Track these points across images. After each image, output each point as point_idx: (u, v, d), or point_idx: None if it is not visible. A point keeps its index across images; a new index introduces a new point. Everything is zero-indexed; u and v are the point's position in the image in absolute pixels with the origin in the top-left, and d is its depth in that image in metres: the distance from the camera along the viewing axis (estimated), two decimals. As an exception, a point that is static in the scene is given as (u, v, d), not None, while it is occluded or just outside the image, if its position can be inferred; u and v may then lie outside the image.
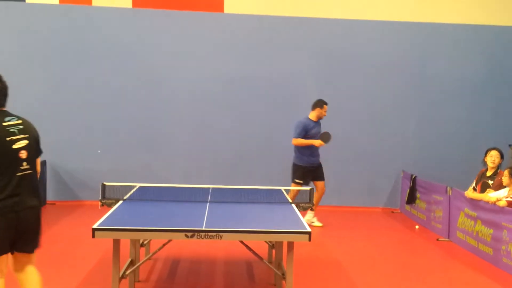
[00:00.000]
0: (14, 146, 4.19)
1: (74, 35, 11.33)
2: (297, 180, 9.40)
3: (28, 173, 4.28)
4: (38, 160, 4.53)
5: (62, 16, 11.33)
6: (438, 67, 11.75)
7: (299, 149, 9.45)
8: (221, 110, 11.53)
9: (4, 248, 4.21)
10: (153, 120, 11.43)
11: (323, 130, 9.58)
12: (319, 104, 9.57)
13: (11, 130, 4.22)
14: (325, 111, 9.56)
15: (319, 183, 9.57)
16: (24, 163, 4.24)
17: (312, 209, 9.35)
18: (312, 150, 9.46)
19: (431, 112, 11.76)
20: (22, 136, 4.26)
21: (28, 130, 4.36)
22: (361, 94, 11.68)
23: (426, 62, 11.77)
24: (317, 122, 9.60)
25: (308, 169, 9.45)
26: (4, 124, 4.22)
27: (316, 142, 9.32)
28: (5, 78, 4.51)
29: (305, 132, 9.39)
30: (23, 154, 4.23)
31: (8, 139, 4.17)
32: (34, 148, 4.39)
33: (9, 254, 4.32)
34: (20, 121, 4.33)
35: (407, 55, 11.73)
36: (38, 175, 4.54)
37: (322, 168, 9.66)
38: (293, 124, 9.58)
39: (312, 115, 9.58)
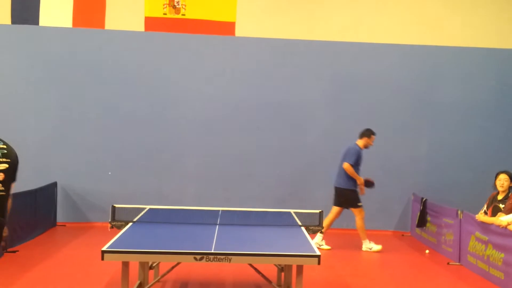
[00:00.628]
0: None
1: (87, 58, 11.46)
2: (359, 204, 9.70)
3: (1, 195, 4.46)
4: (13, 186, 4.68)
5: (75, 40, 11.48)
6: (450, 91, 11.74)
7: (347, 175, 9.65)
8: (231, 133, 11.57)
9: None
10: (164, 143, 11.48)
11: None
12: (368, 133, 9.85)
13: None
14: (372, 141, 9.82)
15: (340, 209, 9.71)
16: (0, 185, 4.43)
17: (321, 232, 9.31)
18: None
19: (442, 136, 11.74)
20: (3, 159, 4.48)
21: (10, 155, 4.55)
22: (372, 117, 11.66)
23: (436, 85, 11.77)
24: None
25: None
26: None
27: (361, 182, 9.63)
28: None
29: (357, 160, 9.66)
30: (0, 177, 4.43)
31: None
32: (11, 174, 4.55)
33: None
34: (4, 146, 4.56)
35: (418, 78, 11.74)
36: (9, 201, 4.67)
37: None
38: (346, 148, 9.82)
39: (360, 143, 9.81)
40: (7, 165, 4.48)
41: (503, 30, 11.84)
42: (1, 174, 4.44)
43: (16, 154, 4.64)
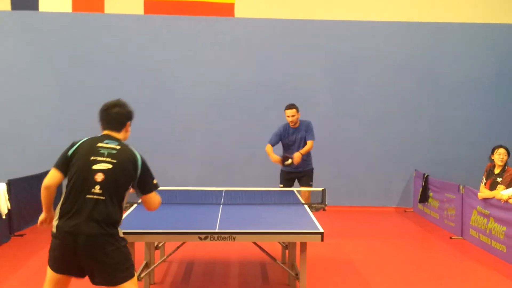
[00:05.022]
0: (94, 167, 3.92)
1: (87, 42, 11.49)
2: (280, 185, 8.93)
3: (98, 198, 3.85)
4: (147, 198, 4.19)
5: (75, 24, 11.50)
6: (448, 67, 11.76)
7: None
8: (233, 114, 11.62)
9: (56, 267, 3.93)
10: (167, 125, 11.54)
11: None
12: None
13: (101, 151, 3.99)
14: (287, 117, 8.82)
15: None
16: (97, 187, 3.86)
17: None
18: None
19: (442, 112, 11.78)
20: (108, 159, 3.96)
21: (120, 156, 4.01)
22: (372, 95, 11.72)
23: (436, 61, 11.79)
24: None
25: None
26: (99, 144, 4.03)
27: (274, 160, 8.71)
28: (128, 104, 4.51)
29: (276, 138, 8.87)
30: (99, 177, 3.88)
31: (92, 158, 3.94)
32: (117, 178, 3.94)
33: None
34: (117, 147, 4.07)
35: (417, 55, 11.75)
36: (149, 204, 4.24)
37: None
38: (311, 125, 8.85)
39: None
40: (110, 166, 3.92)
41: (501, 5, 11.80)
42: (100, 174, 3.89)
43: (133, 159, 4.07)
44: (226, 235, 4.89)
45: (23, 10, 11.41)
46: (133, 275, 3.94)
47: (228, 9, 11.60)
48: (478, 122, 11.77)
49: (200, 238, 4.88)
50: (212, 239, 4.87)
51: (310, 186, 8.57)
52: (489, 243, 7.95)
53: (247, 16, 11.62)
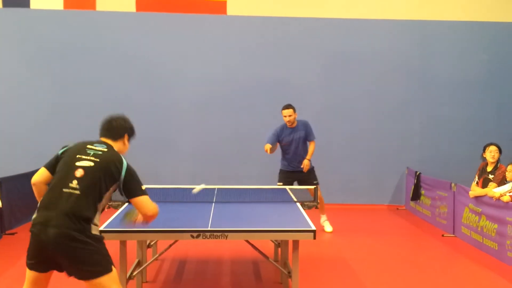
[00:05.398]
0: (77, 163, 3.98)
1: (78, 40, 11.45)
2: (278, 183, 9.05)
3: (74, 193, 3.87)
4: (137, 201, 4.11)
5: (67, 21, 11.46)
6: (441, 65, 11.79)
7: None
8: (225, 112, 11.61)
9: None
10: (158, 123, 11.52)
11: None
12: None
13: (88, 151, 4.07)
14: (284, 117, 8.94)
15: None
16: (74, 181, 3.89)
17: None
18: None
19: (434, 110, 11.80)
20: (92, 158, 4.02)
21: (104, 157, 4.05)
22: (365, 92, 11.73)
23: (429, 60, 11.81)
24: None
25: None
26: (88, 146, 4.13)
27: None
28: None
29: (274, 138, 9.01)
30: (78, 173, 3.92)
31: (77, 156, 4.03)
32: (97, 175, 3.96)
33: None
34: (105, 149, 4.13)
35: (410, 53, 11.77)
36: (144, 216, 4.20)
37: None
38: (309, 124, 9.05)
39: None
40: (92, 164, 3.96)
41: (494, 4, 11.84)
42: (80, 170, 3.93)
43: (117, 160, 4.08)
44: (219, 233, 4.88)
45: (14, 8, 11.35)
46: (109, 271, 3.90)
47: (221, 7, 11.59)
48: (471, 120, 11.80)
49: (192, 236, 4.87)
50: (204, 237, 4.86)
51: (315, 184, 8.52)
52: (481, 241, 7.98)
53: (239, 14, 11.61)
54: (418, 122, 11.82)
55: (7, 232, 8.56)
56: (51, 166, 4.11)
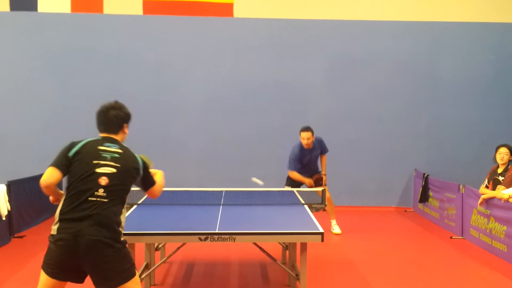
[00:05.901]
0: (98, 170, 3.94)
1: (86, 43, 11.48)
2: None
3: (101, 201, 3.87)
4: (151, 191, 4.39)
5: (74, 25, 11.49)
6: (448, 66, 11.76)
7: None
8: (232, 114, 11.62)
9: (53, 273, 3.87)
10: (165, 125, 11.54)
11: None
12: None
13: (103, 155, 4.02)
14: (302, 138, 8.89)
15: None
16: (101, 190, 3.88)
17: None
18: None
19: (442, 111, 11.77)
20: (112, 163, 4.00)
21: (123, 161, 4.06)
22: (372, 94, 11.72)
23: (436, 61, 11.78)
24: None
25: None
26: (100, 147, 4.07)
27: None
28: (127, 106, 4.65)
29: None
30: (103, 181, 3.90)
31: (95, 161, 3.97)
32: (122, 181, 4.00)
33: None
34: (119, 150, 4.11)
35: (417, 55, 11.75)
36: (153, 194, 4.47)
37: None
38: (323, 141, 9.18)
39: None
40: (114, 170, 3.95)
41: (502, 4, 11.80)
42: (104, 178, 3.92)
43: (134, 162, 4.15)
44: (226, 236, 4.88)
45: (22, 11, 11.40)
46: (134, 275, 3.93)
47: (227, 9, 11.59)
48: (479, 122, 11.76)
49: (200, 239, 4.87)
50: (212, 240, 4.86)
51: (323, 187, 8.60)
52: (490, 243, 7.94)
53: (246, 16, 11.61)
54: (426, 124, 11.79)
55: (15, 235, 8.59)
56: (63, 166, 3.99)
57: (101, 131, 4.28)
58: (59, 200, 4.11)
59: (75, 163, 3.98)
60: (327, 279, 6.66)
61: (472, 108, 11.76)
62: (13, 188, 8.55)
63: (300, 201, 6.86)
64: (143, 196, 6.72)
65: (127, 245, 4.01)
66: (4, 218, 8.18)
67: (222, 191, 7.28)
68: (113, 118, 4.31)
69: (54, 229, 3.86)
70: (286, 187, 9.02)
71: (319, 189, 7.30)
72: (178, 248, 5.97)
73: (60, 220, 3.86)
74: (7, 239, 8.33)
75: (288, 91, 11.60)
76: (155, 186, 4.41)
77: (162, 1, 11.55)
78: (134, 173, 4.12)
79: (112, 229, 3.85)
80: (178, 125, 11.61)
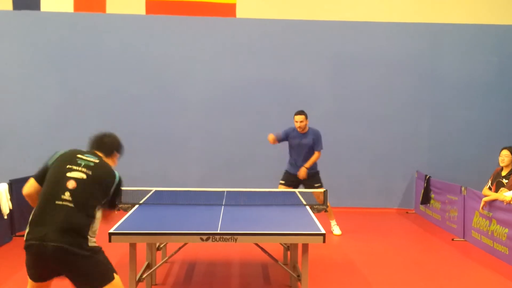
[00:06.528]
0: (68, 174, 3.94)
1: (88, 42, 11.49)
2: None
3: (67, 205, 3.84)
4: (110, 213, 4.28)
5: (77, 24, 11.50)
6: (449, 68, 11.76)
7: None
8: (234, 114, 11.62)
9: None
10: (167, 125, 11.54)
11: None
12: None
13: (78, 161, 4.03)
14: (295, 121, 9.04)
15: None
16: (67, 193, 3.87)
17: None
18: None
19: (443, 113, 11.76)
20: (84, 170, 3.98)
21: (96, 169, 4.03)
22: (373, 95, 11.71)
23: (437, 62, 11.78)
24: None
25: None
26: (78, 155, 4.09)
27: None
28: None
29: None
30: (70, 184, 3.89)
31: (68, 166, 3.99)
32: (90, 189, 3.96)
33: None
34: (96, 161, 4.09)
35: (418, 56, 11.74)
36: (107, 220, 4.31)
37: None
38: (320, 134, 9.09)
39: None
40: (84, 176, 3.93)
41: (503, 6, 11.78)
42: (72, 182, 3.90)
43: (109, 173, 4.12)
44: (228, 236, 4.87)
45: (24, 10, 11.41)
46: (110, 280, 3.93)
47: (230, 10, 11.59)
48: (480, 123, 11.75)
49: (202, 239, 4.87)
50: (214, 240, 4.86)
51: (316, 187, 8.73)
52: (491, 245, 7.93)
53: (248, 17, 11.61)
54: (427, 125, 11.78)
55: (17, 234, 8.59)
56: (39, 177, 4.08)
57: (91, 148, 4.35)
58: None
59: (50, 169, 4.04)
60: (328, 280, 6.65)
61: (474, 109, 11.75)
62: (14, 186, 8.54)
63: (302, 202, 6.86)
64: (144, 196, 6.73)
65: (110, 244, 4.04)
66: (5, 217, 8.19)
67: (224, 191, 7.29)
68: (107, 142, 4.39)
69: (25, 235, 3.90)
70: (280, 181, 9.08)
71: (320, 190, 7.30)
72: (180, 248, 5.96)
73: (29, 224, 3.89)
74: (9, 238, 8.34)
75: (290, 91, 11.60)
76: (113, 213, 4.34)
77: (164, 1, 11.55)
78: (106, 185, 4.07)
79: (76, 236, 3.82)
80: (180, 125, 11.61)
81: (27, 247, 3.84)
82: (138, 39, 11.59)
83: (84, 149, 4.32)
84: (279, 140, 9.10)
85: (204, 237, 4.86)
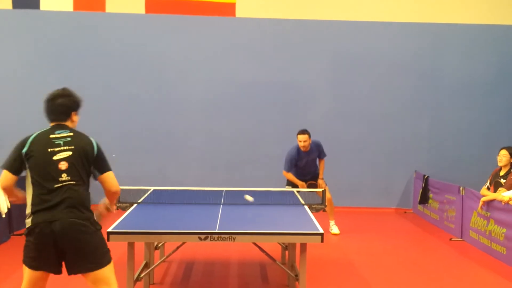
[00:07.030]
0: (55, 157, 3.96)
1: (88, 41, 11.49)
2: None
3: (67, 184, 3.91)
4: (105, 177, 4.13)
5: (76, 23, 11.50)
6: (449, 68, 11.76)
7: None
8: (233, 113, 11.62)
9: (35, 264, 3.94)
10: (166, 124, 11.54)
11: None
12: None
13: (56, 142, 4.03)
14: (299, 141, 8.99)
15: None
16: (64, 175, 3.92)
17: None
18: None
19: (443, 113, 11.77)
20: (66, 147, 4.00)
21: (76, 142, 4.05)
22: (372, 95, 11.72)
23: (437, 62, 11.78)
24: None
25: None
26: (51, 136, 4.08)
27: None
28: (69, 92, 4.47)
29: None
30: (63, 166, 3.93)
31: (50, 150, 3.99)
32: (81, 160, 4.02)
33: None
34: (70, 134, 4.10)
35: (418, 56, 11.74)
36: (109, 192, 4.21)
37: None
38: (321, 144, 9.20)
39: None
40: (70, 153, 3.96)
41: (504, 6, 11.79)
42: (64, 162, 3.93)
43: (87, 140, 4.12)
44: (226, 236, 4.88)
45: (24, 9, 11.40)
46: (110, 261, 4.01)
47: (229, 9, 11.60)
48: (479, 123, 11.76)
49: (200, 238, 4.87)
50: (212, 239, 4.87)
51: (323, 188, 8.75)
52: (489, 245, 7.95)
53: (248, 16, 11.61)
54: (427, 125, 11.79)
55: (15, 232, 8.59)
56: (13, 168, 4.04)
57: (50, 120, 4.28)
58: (20, 200, 4.19)
59: (31, 158, 4.00)
60: (327, 279, 6.66)
61: (473, 109, 11.76)
62: (13, 185, 8.54)
63: (300, 201, 6.86)
64: (143, 195, 6.73)
65: (112, 242, 4.10)
66: (4, 216, 8.18)
67: (222, 191, 7.30)
68: (59, 106, 4.27)
69: (28, 222, 3.92)
70: (286, 187, 9.06)
71: (320, 190, 7.31)
72: (178, 247, 5.97)
73: (33, 213, 3.90)
74: (7, 236, 8.34)
75: (289, 91, 11.61)
76: (111, 174, 4.18)
77: (164, 0, 11.55)
78: (89, 151, 4.07)
79: (84, 211, 3.93)
80: (179, 124, 11.61)
81: (31, 230, 3.86)
82: (138, 38, 11.59)
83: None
84: (291, 170, 9.06)
85: (202, 236, 4.87)
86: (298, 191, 7.53)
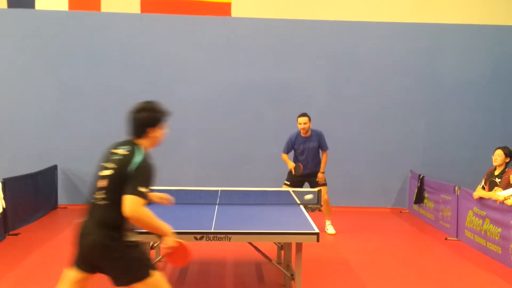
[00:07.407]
0: (100, 173, 3.93)
1: (83, 41, 11.47)
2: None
3: (100, 203, 3.86)
4: (123, 197, 3.71)
5: (72, 22, 11.47)
6: (445, 68, 11.78)
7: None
8: (229, 113, 11.61)
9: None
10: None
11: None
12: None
13: (110, 156, 3.97)
14: (298, 124, 9.17)
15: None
16: (100, 192, 3.87)
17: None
18: None
19: (438, 113, 11.79)
20: (112, 165, 3.88)
21: (122, 162, 3.86)
22: (368, 95, 11.72)
23: (433, 63, 11.79)
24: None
25: None
26: (112, 150, 4.02)
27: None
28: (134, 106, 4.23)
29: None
30: (101, 183, 3.88)
31: (102, 164, 3.98)
32: (117, 182, 3.80)
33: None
34: (126, 152, 3.93)
35: (414, 56, 11.75)
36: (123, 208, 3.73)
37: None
38: (323, 135, 9.37)
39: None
40: (112, 172, 3.84)
41: (494, 7, 11.80)
42: (102, 180, 3.88)
43: (132, 162, 3.86)
44: (222, 235, 4.88)
45: (19, 8, 11.38)
46: (145, 276, 3.87)
47: (225, 9, 11.59)
48: (475, 123, 11.78)
49: (196, 238, 4.88)
50: (207, 239, 4.87)
51: (324, 185, 9.13)
52: (484, 244, 7.96)
53: (244, 16, 11.60)
54: (422, 125, 11.80)
55: (10, 232, 8.57)
56: None
57: (128, 133, 4.16)
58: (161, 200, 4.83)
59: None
60: (322, 279, 6.67)
61: (469, 109, 11.78)
62: (8, 185, 8.53)
63: (296, 201, 6.87)
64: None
65: (137, 246, 3.99)
66: (-1, 215, 8.17)
67: (217, 191, 7.30)
68: (134, 121, 4.14)
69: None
70: (285, 181, 9.16)
71: (316, 189, 7.32)
72: (174, 247, 5.96)
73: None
74: (2, 236, 8.32)
75: (286, 91, 11.60)
76: (129, 198, 3.71)
77: (159, -1, 11.56)
78: (127, 172, 3.82)
79: (111, 230, 3.84)
80: (175, 124, 11.42)
81: (76, 236, 3.97)
82: (133, 38, 11.57)
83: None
84: (288, 152, 9.27)
85: (198, 236, 4.87)
86: (294, 191, 7.54)
